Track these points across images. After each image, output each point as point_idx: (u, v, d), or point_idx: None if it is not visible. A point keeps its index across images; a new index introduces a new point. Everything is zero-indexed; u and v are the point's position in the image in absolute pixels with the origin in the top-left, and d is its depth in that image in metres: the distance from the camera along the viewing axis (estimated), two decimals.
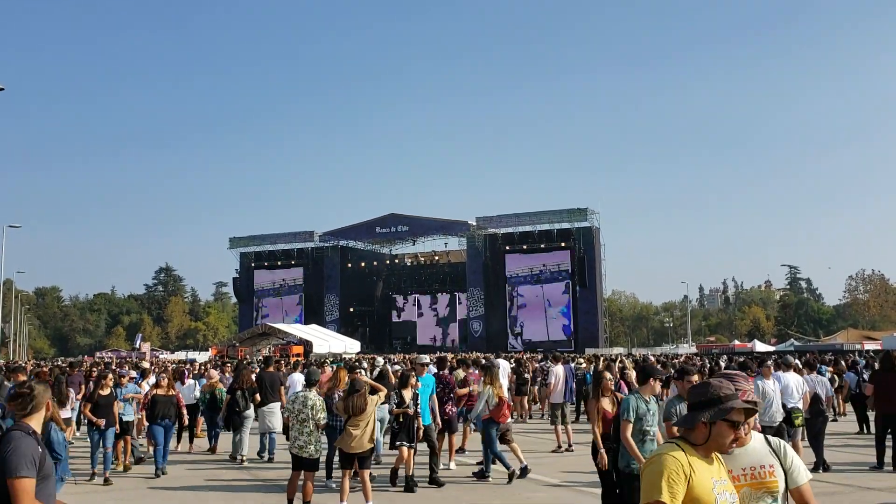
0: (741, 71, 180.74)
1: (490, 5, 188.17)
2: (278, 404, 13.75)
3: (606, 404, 8.09)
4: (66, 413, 12.82)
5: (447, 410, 12.20)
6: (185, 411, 13.31)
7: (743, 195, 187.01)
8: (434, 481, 10.76)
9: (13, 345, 76.02)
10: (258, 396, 13.86)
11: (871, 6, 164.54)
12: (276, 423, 13.54)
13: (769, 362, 12.16)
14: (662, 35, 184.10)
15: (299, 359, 35.68)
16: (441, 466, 11.40)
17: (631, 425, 6.63)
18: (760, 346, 59.69)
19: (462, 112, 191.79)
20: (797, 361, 12.73)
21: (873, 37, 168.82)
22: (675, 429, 6.35)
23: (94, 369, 18.60)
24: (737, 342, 70.88)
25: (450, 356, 24.39)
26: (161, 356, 66.04)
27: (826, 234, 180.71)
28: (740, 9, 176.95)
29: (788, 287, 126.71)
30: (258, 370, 17.25)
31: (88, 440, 12.27)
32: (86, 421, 12.55)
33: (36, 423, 3.98)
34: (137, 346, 77.19)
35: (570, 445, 14.38)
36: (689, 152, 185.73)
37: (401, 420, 10.79)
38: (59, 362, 41.22)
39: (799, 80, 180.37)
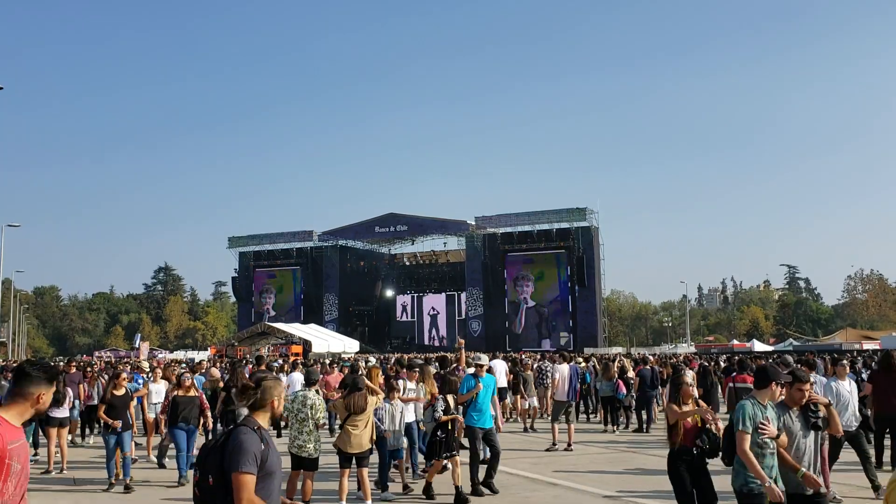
0: (740, 70, 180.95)
1: (489, 5, 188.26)
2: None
3: (687, 412, 7.25)
4: (63, 412, 12.82)
5: None
6: (209, 414, 12.13)
7: (742, 195, 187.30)
8: (489, 486, 10.15)
9: (12, 344, 75.95)
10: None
11: (871, 6, 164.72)
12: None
13: (844, 361, 11.82)
14: (662, 34, 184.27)
15: (298, 358, 35.69)
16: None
17: (748, 437, 5.61)
18: (759, 346, 59.75)
19: (461, 112, 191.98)
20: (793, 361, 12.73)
21: (874, 35, 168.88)
22: (783, 438, 5.83)
23: (88, 369, 18.41)
24: (735, 342, 70.95)
25: (450, 356, 24.37)
26: (159, 356, 66.00)
27: (825, 234, 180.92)
28: (739, 8, 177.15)
29: (787, 287, 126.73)
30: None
31: (104, 445, 11.27)
32: (100, 424, 11.77)
33: (262, 418, 3.98)
34: (137, 345, 77.14)
35: (569, 445, 14.39)
36: (688, 152, 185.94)
37: (449, 428, 9.87)
38: (57, 361, 41.19)
39: (798, 79, 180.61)
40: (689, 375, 8.01)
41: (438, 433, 9.81)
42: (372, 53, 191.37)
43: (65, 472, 12.27)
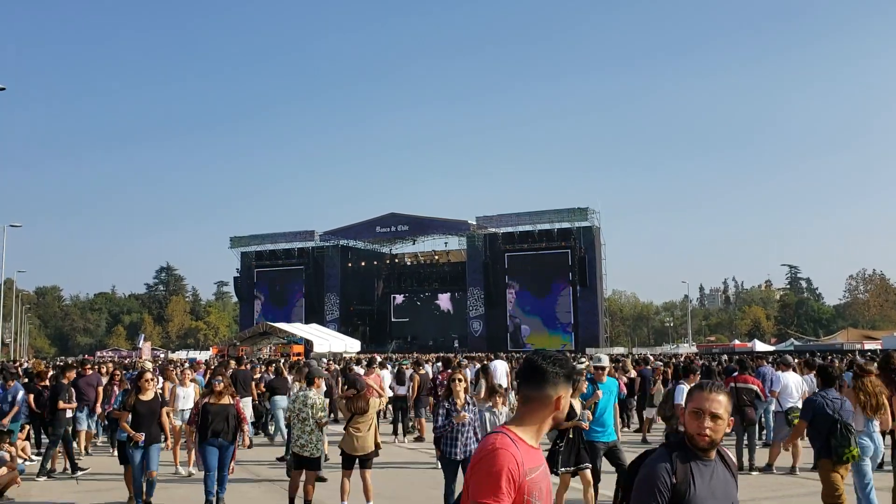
0: (741, 70, 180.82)
1: (489, 5, 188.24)
2: (249, 399, 15.76)
3: None
4: (68, 414, 12.72)
5: None
6: (247, 427, 10.07)
7: (743, 194, 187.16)
8: None
9: (14, 344, 76.05)
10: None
11: (871, 6, 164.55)
12: (248, 415, 13.90)
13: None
14: (662, 34, 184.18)
15: (299, 358, 35.72)
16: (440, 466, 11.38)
17: None
18: (760, 346, 59.71)
19: (462, 111, 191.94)
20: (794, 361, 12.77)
21: (874, 35, 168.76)
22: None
23: (118, 371, 16.70)
24: (737, 342, 70.95)
25: (452, 356, 24.49)
26: (161, 355, 66.07)
27: (826, 234, 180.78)
28: (739, 8, 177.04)
29: (788, 287, 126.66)
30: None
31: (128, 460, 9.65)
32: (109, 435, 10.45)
33: None
34: (140, 345, 77.24)
35: None
36: (689, 151, 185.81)
37: (570, 436, 8.53)
38: (59, 362, 41.25)
39: (798, 79, 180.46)
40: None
41: (558, 443, 8.59)
42: (372, 53, 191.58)
43: (67, 471, 12.31)
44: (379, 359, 21.97)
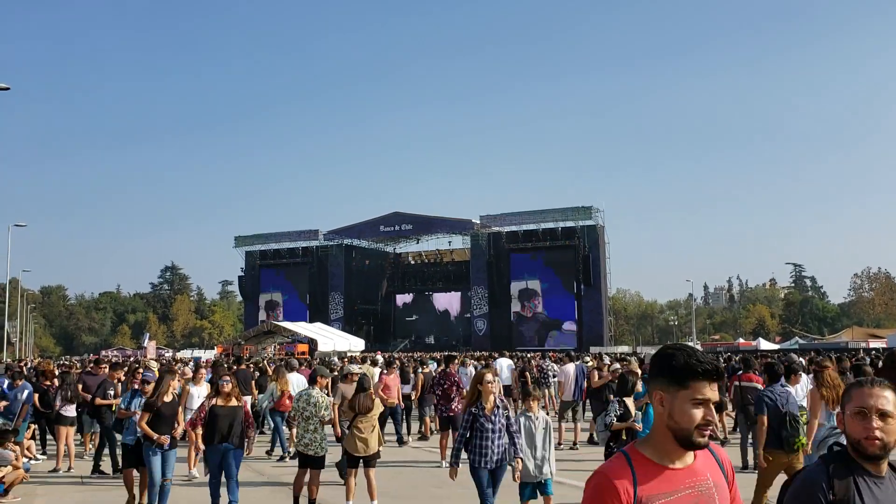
0: (744, 68, 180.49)
1: (489, 5, 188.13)
2: (249, 397, 15.50)
3: None
4: (71, 411, 12.77)
5: (452, 408, 12.25)
6: (252, 433, 9.16)
7: (747, 193, 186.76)
8: None
9: (19, 343, 76.28)
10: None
11: (873, 5, 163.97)
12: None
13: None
14: (667, 33, 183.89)
15: (304, 357, 35.78)
16: (444, 465, 11.41)
17: None
18: (765, 345, 59.60)
19: (466, 111, 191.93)
20: (802, 360, 12.73)
21: (881, 29, 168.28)
22: None
23: (139, 368, 16.81)
24: (741, 340, 70.80)
25: (456, 355, 24.46)
26: (166, 354, 66.19)
27: (831, 232, 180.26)
28: (746, 6, 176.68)
29: (793, 285, 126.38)
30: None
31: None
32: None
33: None
34: (145, 344, 77.45)
35: (574, 443, 14.43)
36: (693, 150, 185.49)
37: (623, 438, 7.94)
38: (64, 361, 41.35)
39: (802, 78, 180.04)
40: None
41: (612, 444, 7.96)
42: (373, 53, 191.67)
43: (72, 470, 12.35)
44: (381, 359, 22.04)
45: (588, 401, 15.94)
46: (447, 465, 11.89)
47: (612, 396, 8.08)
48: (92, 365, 14.82)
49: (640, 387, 8.01)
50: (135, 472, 9.37)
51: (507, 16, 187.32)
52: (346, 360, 23.19)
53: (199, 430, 8.73)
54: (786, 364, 10.47)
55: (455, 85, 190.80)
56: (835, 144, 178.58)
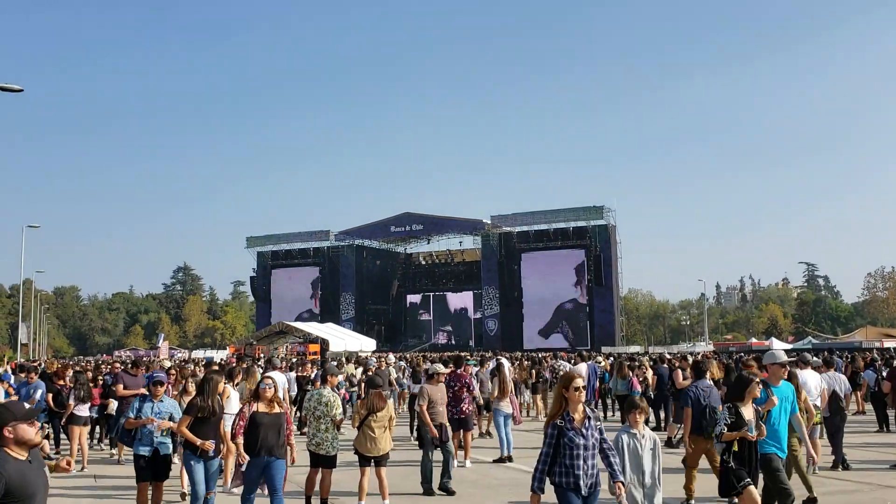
0: (760, 63, 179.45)
1: (506, 1, 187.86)
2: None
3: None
4: (84, 411, 12.84)
5: (463, 409, 12.22)
6: (293, 441, 8.25)
7: (760, 192, 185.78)
8: None
9: (33, 344, 76.82)
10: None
11: None
12: None
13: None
14: (674, 31, 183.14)
15: (315, 357, 35.86)
16: (456, 465, 11.38)
17: None
18: (778, 344, 59.21)
19: (477, 111, 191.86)
20: (816, 359, 12.60)
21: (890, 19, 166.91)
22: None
23: (172, 369, 16.25)
24: (754, 340, 70.38)
25: (465, 356, 24.51)
26: (178, 355, 66.51)
27: (844, 231, 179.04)
28: (753, 4, 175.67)
29: (806, 284, 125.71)
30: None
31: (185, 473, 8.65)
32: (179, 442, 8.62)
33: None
34: (158, 344, 77.84)
35: None
36: (705, 150, 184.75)
37: (735, 450, 6.89)
38: (78, 360, 41.59)
39: (814, 74, 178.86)
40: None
41: (725, 456, 6.93)
42: (387, 52, 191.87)
43: (85, 470, 12.40)
44: (393, 358, 22.01)
45: (669, 402, 16.74)
46: (458, 463, 11.95)
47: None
48: (131, 366, 15.02)
49: (757, 392, 6.96)
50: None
51: (517, 13, 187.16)
52: (429, 360, 21.92)
53: (240, 440, 7.78)
54: (700, 363, 11.10)
55: (466, 85, 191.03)
56: (848, 142, 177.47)
